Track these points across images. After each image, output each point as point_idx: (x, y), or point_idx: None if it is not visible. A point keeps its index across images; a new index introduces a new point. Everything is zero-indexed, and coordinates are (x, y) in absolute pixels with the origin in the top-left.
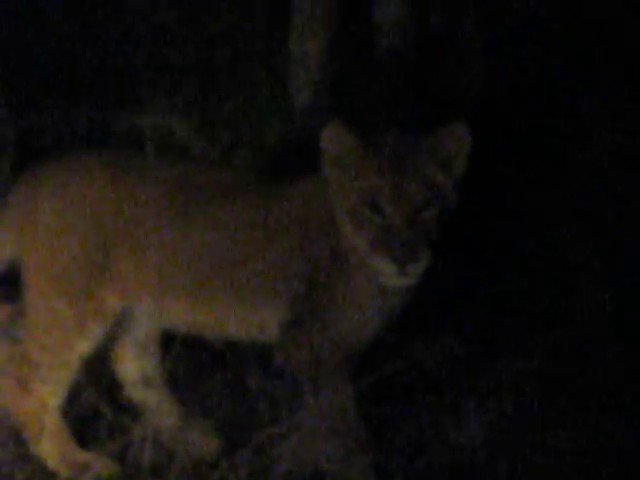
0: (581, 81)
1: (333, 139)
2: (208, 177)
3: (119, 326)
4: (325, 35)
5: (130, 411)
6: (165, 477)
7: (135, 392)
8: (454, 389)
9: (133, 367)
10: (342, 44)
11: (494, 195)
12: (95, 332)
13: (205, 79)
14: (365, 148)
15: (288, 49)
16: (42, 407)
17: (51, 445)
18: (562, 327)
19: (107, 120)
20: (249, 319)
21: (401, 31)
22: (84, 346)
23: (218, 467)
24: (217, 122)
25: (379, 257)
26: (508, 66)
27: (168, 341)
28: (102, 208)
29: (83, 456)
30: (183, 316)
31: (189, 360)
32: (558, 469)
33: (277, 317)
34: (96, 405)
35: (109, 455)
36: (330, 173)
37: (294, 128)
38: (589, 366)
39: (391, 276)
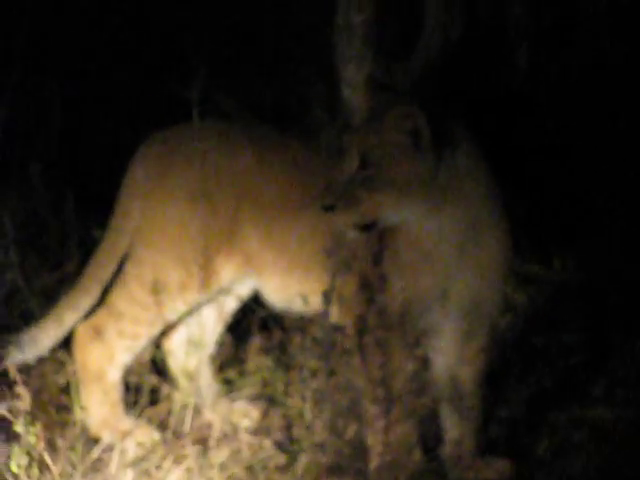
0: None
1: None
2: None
3: None
4: (372, 8)
5: (172, 380)
6: (205, 445)
7: (178, 361)
8: None
9: (179, 336)
10: (389, 18)
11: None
12: (193, 298)
13: (250, 52)
14: None
15: (335, 21)
16: (109, 359)
17: (99, 404)
18: None
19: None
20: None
21: (449, 7)
22: (176, 309)
23: (255, 434)
24: (262, 94)
25: None
26: (556, 48)
27: None
28: (242, 181)
29: (126, 422)
30: (287, 290)
31: (233, 327)
32: None
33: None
34: (138, 373)
35: (150, 423)
36: None
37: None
38: None
39: None
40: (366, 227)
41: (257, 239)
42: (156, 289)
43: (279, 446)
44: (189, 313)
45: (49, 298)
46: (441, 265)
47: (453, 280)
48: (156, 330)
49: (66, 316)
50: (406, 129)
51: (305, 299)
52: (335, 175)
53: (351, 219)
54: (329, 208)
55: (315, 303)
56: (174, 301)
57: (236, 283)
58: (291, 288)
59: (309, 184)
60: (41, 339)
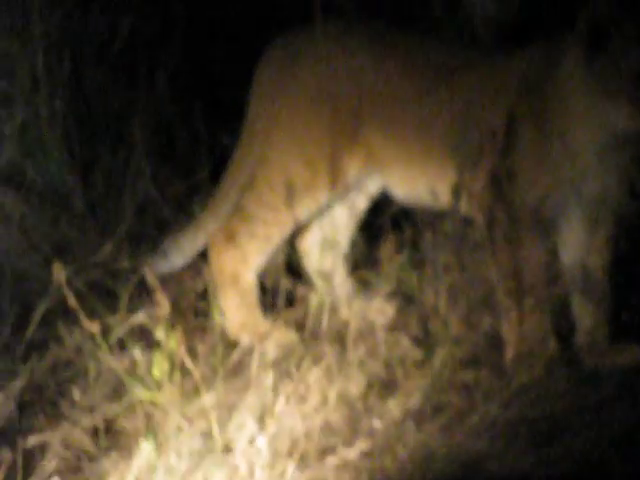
0: None
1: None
2: (448, 52)
3: None
4: None
5: (307, 281)
6: (342, 343)
7: (312, 262)
8: None
9: (313, 237)
10: None
11: None
12: (322, 198)
13: None
14: None
15: None
16: (243, 261)
17: (237, 308)
18: None
19: None
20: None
21: None
22: (304, 209)
23: (392, 330)
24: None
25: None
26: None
27: None
28: (361, 77)
29: (264, 324)
30: (411, 182)
31: (365, 227)
32: None
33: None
34: (274, 276)
35: (288, 324)
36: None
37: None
38: None
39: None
40: None
41: (378, 134)
42: (286, 190)
43: (415, 341)
44: (319, 213)
45: (181, 207)
46: (583, 164)
47: (589, 178)
48: (287, 231)
49: (207, 222)
50: None
51: (432, 192)
52: None
53: None
54: None
55: (442, 195)
56: (303, 201)
57: (362, 180)
58: (414, 180)
59: (427, 74)
60: (186, 247)
